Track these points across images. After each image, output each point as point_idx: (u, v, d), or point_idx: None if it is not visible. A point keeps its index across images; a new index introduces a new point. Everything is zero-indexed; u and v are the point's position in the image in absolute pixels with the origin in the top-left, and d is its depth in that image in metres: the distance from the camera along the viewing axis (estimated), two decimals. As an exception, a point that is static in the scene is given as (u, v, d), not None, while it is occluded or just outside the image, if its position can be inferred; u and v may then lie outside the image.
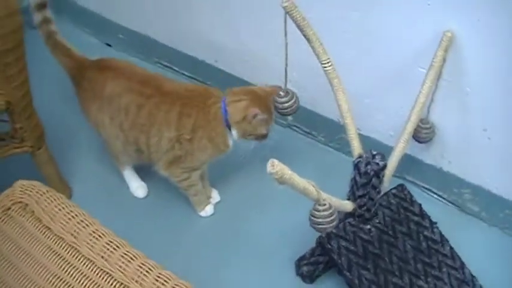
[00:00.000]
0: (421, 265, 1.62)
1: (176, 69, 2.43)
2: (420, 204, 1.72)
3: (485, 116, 1.67)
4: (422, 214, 1.70)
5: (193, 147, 1.71)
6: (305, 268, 1.70)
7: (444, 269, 1.63)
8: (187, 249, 1.72)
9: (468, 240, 1.77)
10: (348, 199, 1.60)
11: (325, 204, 1.39)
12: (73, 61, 1.83)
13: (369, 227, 1.64)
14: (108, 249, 1.03)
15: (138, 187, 1.96)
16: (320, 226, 1.40)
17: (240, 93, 1.68)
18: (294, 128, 2.19)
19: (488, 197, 1.83)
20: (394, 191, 1.73)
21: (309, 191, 1.35)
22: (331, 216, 1.39)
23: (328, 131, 2.08)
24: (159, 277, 1.00)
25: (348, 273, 1.56)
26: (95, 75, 1.77)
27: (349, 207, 1.58)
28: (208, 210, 1.90)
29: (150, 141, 1.72)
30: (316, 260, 1.70)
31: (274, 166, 1.20)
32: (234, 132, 1.69)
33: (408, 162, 1.91)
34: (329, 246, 1.58)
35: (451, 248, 1.67)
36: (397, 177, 1.92)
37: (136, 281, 0.99)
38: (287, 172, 1.24)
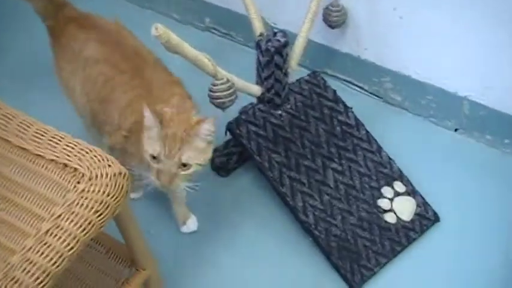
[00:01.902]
0: (335, 148, 1.60)
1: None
2: (335, 90, 1.68)
3: (394, -8, 1.63)
4: (336, 99, 1.67)
5: (126, 148, 1.40)
6: (218, 160, 1.66)
7: (359, 152, 1.61)
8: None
9: (394, 131, 1.76)
10: (257, 84, 1.56)
11: (222, 79, 1.34)
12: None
13: (279, 112, 1.59)
14: (38, 134, 1.03)
15: None
16: (218, 100, 1.36)
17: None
18: (212, 30, 2.12)
19: (409, 84, 1.79)
20: (306, 77, 1.68)
21: (203, 63, 1.30)
22: (229, 90, 1.35)
23: (246, 31, 2.00)
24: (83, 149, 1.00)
25: (257, 157, 1.52)
26: (76, 31, 1.47)
27: (257, 91, 1.54)
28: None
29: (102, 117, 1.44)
30: (230, 152, 1.66)
31: (158, 29, 1.16)
32: None
33: (325, 53, 1.87)
34: (238, 132, 1.54)
35: (367, 132, 1.65)
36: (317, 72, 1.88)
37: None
38: (174, 37, 1.19)
